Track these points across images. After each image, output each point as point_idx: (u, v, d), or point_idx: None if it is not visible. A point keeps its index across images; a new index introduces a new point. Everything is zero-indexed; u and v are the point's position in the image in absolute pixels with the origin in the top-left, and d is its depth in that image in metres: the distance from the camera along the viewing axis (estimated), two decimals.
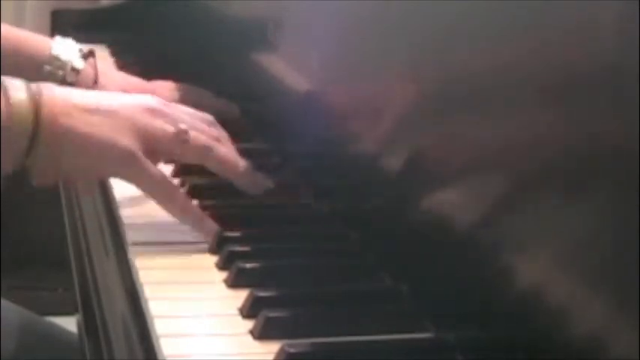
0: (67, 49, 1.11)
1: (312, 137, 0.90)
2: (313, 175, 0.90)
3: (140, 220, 0.85)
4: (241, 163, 0.86)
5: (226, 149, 0.87)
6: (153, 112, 0.84)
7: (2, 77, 0.80)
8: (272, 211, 0.87)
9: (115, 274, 0.79)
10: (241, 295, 0.70)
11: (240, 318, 0.68)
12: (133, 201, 0.87)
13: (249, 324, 0.66)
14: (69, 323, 1.12)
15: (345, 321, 0.66)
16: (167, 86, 1.16)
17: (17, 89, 0.80)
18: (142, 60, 1.40)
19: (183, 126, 0.84)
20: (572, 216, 0.54)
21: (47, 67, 1.10)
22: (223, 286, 0.73)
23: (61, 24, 1.67)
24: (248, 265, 0.74)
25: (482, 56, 0.65)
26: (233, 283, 0.73)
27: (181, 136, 0.84)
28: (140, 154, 0.82)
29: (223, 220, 0.83)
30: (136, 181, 0.82)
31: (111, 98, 0.85)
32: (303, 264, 0.75)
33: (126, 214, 0.87)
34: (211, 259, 0.78)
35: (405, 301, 0.70)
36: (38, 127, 0.79)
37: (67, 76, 1.10)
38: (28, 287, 2.04)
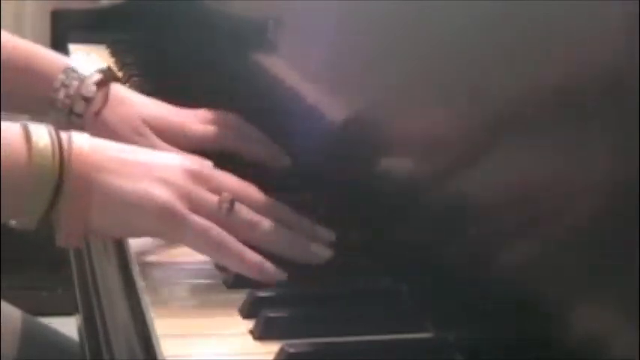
0: (83, 70, 0.98)
1: (312, 137, 0.90)
2: (312, 175, 0.90)
3: None
4: (292, 242, 0.76)
5: (274, 227, 0.76)
6: (194, 175, 0.76)
7: (18, 121, 0.73)
8: None
9: (115, 275, 0.79)
10: (241, 295, 0.70)
11: (240, 318, 0.68)
12: None
13: (249, 324, 0.67)
14: (69, 324, 1.12)
15: (345, 321, 0.66)
16: (200, 117, 0.99)
17: (41, 136, 0.73)
18: (142, 60, 1.40)
19: (227, 194, 0.75)
20: (573, 216, 0.54)
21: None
22: (223, 286, 0.73)
23: (61, 24, 1.67)
24: None
25: (482, 56, 0.65)
26: (233, 284, 0.73)
27: (225, 206, 0.75)
28: (179, 207, 0.73)
29: None
30: (178, 237, 0.74)
31: (150, 154, 0.78)
32: (303, 264, 0.75)
33: None
34: (211, 259, 0.78)
35: (405, 301, 0.70)
36: (63, 179, 0.72)
37: (74, 107, 0.97)
38: (28, 287, 2.04)
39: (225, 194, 0.75)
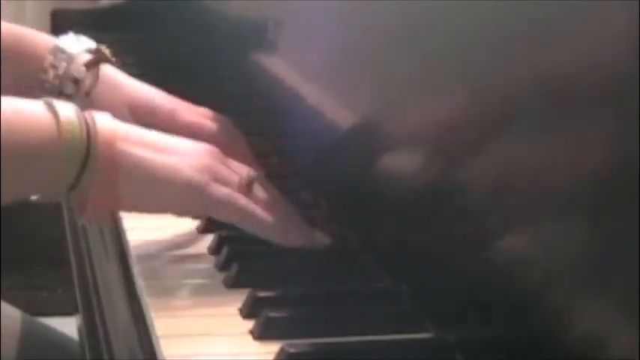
0: (70, 53, 0.97)
1: (312, 137, 0.90)
2: (313, 175, 0.90)
3: (140, 219, 0.85)
4: (300, 225, 0.80)
5: (287, 209, 0.80)
6: (217, 156, 0.79)
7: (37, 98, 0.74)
8: None
9: (115, 275, 0.79)
10: (241, 295, 0.70)
11: (240, 318, 0.68)
12: None
13: (249, 324, 0.67)
14: (69, 324, 1.12)
15: (345, 321, 0.66)
16: (192, 108, 0.97)
17: (66, 110, 0.73)
18: (142, 60, 1.40)
19: (248, 173, 0.79)
20: (573, 215, 0.54)
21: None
22: (223, 286, 0.73)
23: (61, 24, 1.68)
24: (248, 266, 0.74)
25: (482, 57, 0.65)
26: (233, 283, 0.73)
27: (248, 183, 0.78)
28: (205, 181, 0.76)
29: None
30: (204, 210, 0.77)
31: (171, 137, 0.79)
32: (303, 264, 0.75)
33: (125, 213, 0.86)
34: (211, 259, 0.78)
35: (405, 301, 0.70)
36: (90, 148, 0.72)
37: (63, 89, 0.95)
38: (28, 287, 2.05)
39: (245, 173, 0.79)
